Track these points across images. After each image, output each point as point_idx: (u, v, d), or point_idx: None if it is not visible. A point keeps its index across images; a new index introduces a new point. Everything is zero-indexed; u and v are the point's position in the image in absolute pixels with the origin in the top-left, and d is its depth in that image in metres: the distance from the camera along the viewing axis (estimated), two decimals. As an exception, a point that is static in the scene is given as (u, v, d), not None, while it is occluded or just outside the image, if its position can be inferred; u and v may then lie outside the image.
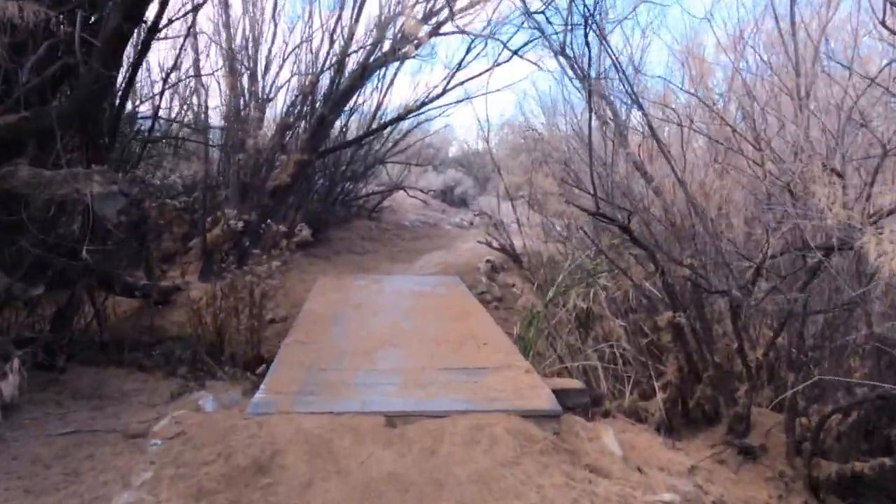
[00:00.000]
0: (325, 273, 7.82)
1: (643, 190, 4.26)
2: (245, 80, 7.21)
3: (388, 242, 10.07)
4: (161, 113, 6.02)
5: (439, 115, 10.31)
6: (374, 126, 8.45)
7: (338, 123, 8.82)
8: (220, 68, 6.25)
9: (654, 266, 3.92)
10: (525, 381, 3.74)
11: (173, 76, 5.70)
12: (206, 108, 6.34)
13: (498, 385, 3.66)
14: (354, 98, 8.33)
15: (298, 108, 7.76)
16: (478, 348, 4.43)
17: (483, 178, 19.10)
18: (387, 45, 7.90)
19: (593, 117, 4.47)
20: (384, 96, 8.40)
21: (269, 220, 5.28)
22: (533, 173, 5.61)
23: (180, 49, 5.35)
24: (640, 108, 3.21)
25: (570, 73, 4.05)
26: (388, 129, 10.05)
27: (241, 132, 6.59)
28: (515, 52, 7.77)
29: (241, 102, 6.71)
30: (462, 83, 7.14)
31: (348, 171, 9.70)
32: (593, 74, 3.16)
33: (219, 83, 6.71)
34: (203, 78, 7.01)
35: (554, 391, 3.83)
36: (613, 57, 3.10)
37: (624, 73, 3.17)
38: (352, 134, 8.92)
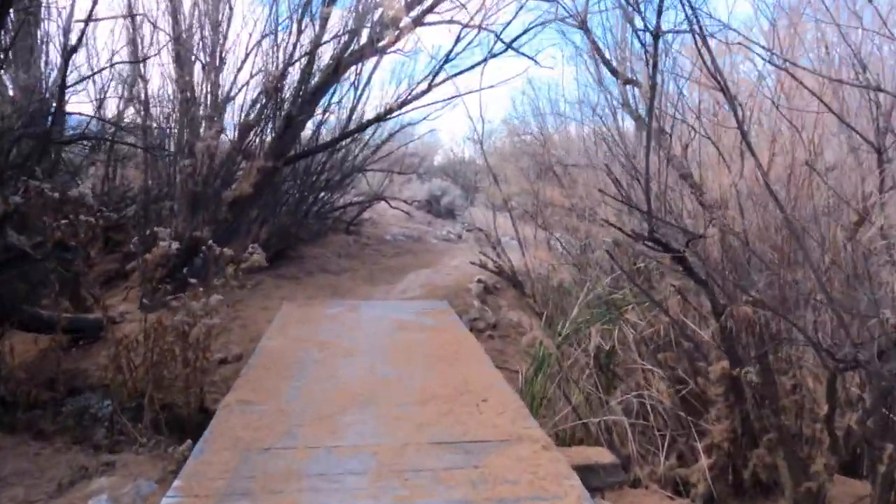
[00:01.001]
0: (293, 297, 6.76)
1: (689, 204, 3.31)
2: (198, 72, 6.17)
3: (367, 260, 9.03)
4: (84, 109, 4.98)
5: (424, 118, 9.33)
6: (351, 128, 7.43)
7: (309, 126, 7.80)
8: (155, 55, 5.20)
9: (711, 305, 2.96)
10: (545, 464, 2.74)
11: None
12: (147, 103, 5.28)
13: (508, 472, 2.66)
14: (328, 97, 7.32)
15: (262, 106, 6.73)
16: (476, 408, 3.43)
17: (472, 188, 18.17)
18: (364, 37, 6.92)
19: (619, 109, 3.53)
20: (361, 94, 7.41)
21: (210, 242, 4.23)
22: (540, 182, 4.66)
23: (85, 27, 4.29)
24: (723, 84, 2.24)
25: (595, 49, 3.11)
26: (369, 133, 9.06)
27: (190, 133, 5.55)
28: (509, 45, 6.85)
29: (191, 97, 5.67)
30: (451, 77, 6.17)
31: (322, 180, 8.66)
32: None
33: (164, 75, 5.67)
34: (150, 73, 5.96)
35: (578, 468, 2.86)
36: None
37: (697, 19, 2.18)
38: (326, 138, 7.89)
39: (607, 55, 3.82)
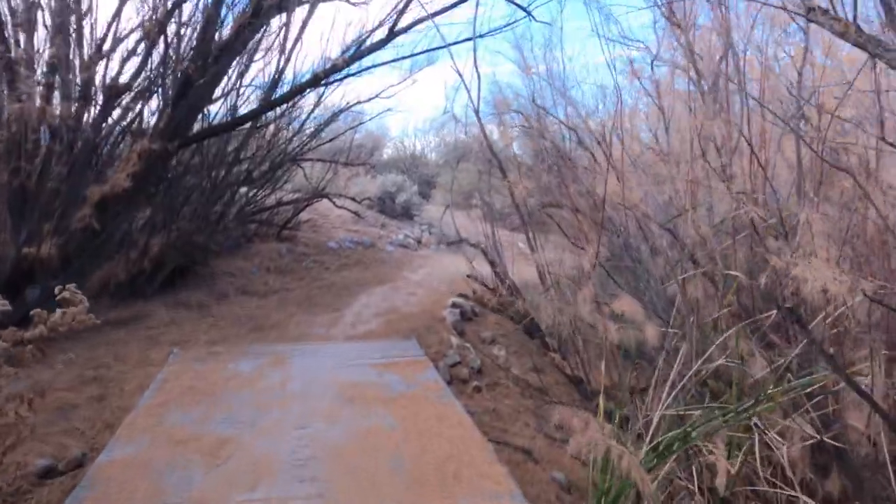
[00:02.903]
0: (192, 340, 4.67)
1: None
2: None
3: (304, 275, 6.98)
4: None
5: (376, 95, 7.39)
6: (277, 96, 5.35)
7: (220, 98, 5.70)
8: None
9: None
10: None
11: None
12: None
13: None
14: (245, 53, 5.25)
15: (144, 62, 4.62)
16: None
17: (428, 184, 16.29)
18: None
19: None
20: (292, 51, 5.35)
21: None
22: (550, 174, 2.85)
23: None
24: None
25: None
26: (305, 110, 7.01)
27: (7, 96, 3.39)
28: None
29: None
30: (427, 18, 4.24)
31: (243, 172, 6.55)
32: None
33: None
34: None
35: None
36: None
37: None
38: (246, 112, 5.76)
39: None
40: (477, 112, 3.43)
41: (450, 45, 3.78)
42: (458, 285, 7.31)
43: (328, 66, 4.36)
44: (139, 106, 5.04)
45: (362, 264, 7.92)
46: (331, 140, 8.08)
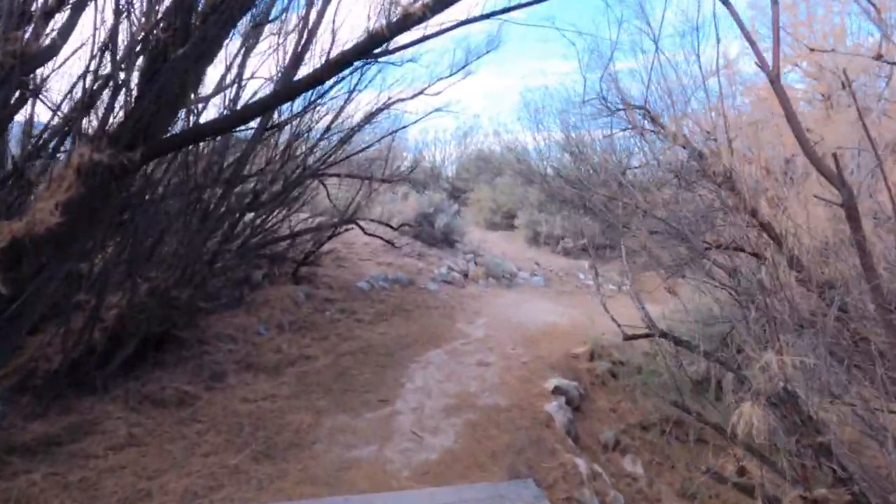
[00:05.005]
0: (158, 489, 2.74)
1: None
2: None
3: (329, 333, 5.07)
4: None
5: (420, 92, 5.55)
6: (299, 78, 3.44)
7: (213, 95, 3.87)
8: None
9: None
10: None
11: None
12: None
13: None
14: (251, 15, 3.40)
15: (76, 11, 2.79)
16: None
17: (460, 200, 14.43)
18: None
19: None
20: (325, 7, 3.47)
21: None
22: None
23: None
24: None
25: None
26: (329, 107, 5.15)
27: None
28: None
29: None
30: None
31: (248, 193, 4.66)
32: None
33: None
34: None
35: None
36: None
37: None
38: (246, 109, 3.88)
39: None
40: (774, 80, 1.55)
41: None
42: (538, 346, 5.39)
43: (396, 17, 2.47)
44: (80, 92, 3.18)
45: (403, 312, 6.01)
46: (363, 149, 6.19)
